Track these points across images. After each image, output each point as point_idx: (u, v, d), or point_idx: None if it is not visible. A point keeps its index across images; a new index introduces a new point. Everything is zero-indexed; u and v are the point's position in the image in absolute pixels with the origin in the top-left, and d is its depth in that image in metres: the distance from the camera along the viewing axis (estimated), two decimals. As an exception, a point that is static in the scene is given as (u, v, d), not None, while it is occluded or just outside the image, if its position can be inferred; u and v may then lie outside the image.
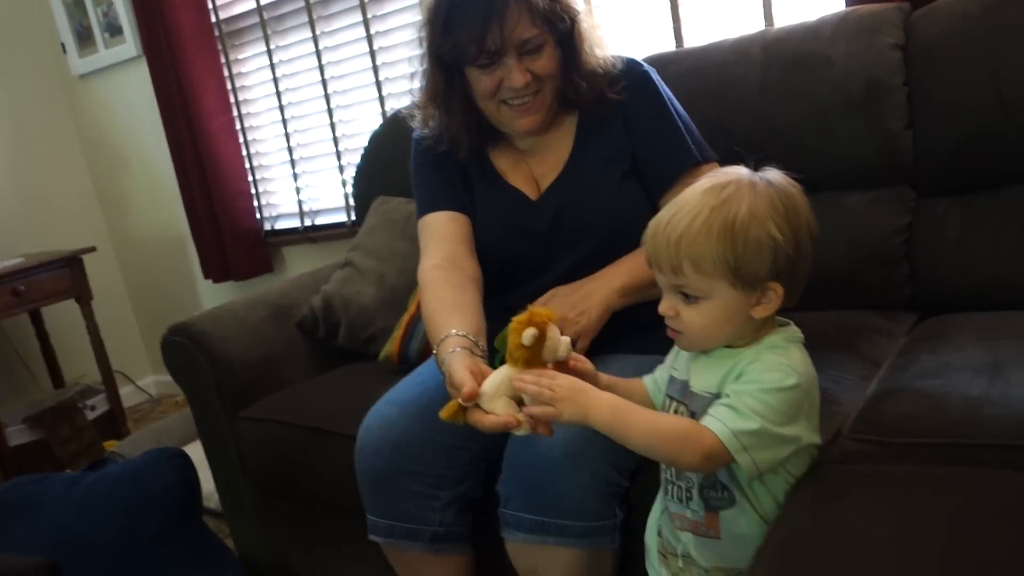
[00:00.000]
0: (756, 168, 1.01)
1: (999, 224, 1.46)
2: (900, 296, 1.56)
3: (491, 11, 1.28)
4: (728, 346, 1.01)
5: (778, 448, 0.95)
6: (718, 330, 0.98)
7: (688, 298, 0.98)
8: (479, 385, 1.03)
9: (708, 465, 0.95)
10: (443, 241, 1.44)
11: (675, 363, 1.10)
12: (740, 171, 1.00)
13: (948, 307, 1.47)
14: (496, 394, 1.02)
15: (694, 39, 2.01)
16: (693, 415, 1.00)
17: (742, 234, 0.93)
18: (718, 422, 0.93)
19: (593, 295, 1.33)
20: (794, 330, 1.03)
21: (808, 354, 1.00)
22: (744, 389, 0.94)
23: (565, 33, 1.36)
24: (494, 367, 1.08)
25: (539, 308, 0.99)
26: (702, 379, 1.02)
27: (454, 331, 1.19)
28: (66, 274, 2.93)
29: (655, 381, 1.14)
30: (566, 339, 1.01)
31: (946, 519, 0.87)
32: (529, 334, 0.96)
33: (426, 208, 1.50)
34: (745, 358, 0.98)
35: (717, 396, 0.98)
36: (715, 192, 0.96)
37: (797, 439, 0.95)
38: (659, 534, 1.13)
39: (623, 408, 0.97)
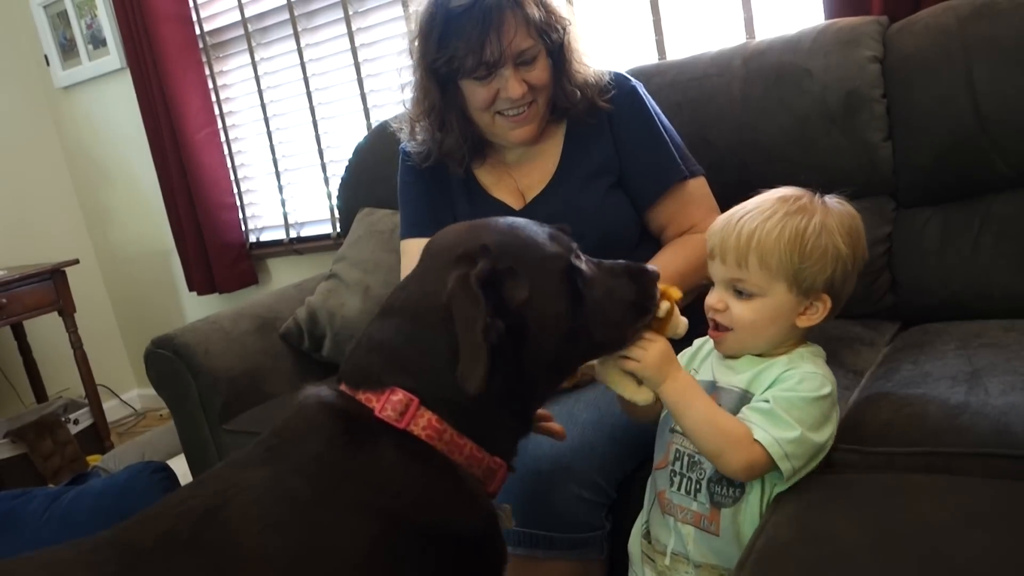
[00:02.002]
0: (821, 194, 1.06)
1: (978, 234, 1.48)
2: (882, 305, 1.58)
3: (489, 23, 1.28)
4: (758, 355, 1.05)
5: (813, 458, 0.99)
6: (764, 329, 1.03)
7: (741, 294, 1.02)
8: None
9: (747, 473, 0.99)
10: None
11: (695, 366, 1.12)
12: (806, 191, 1.06)
13: (929, 316, 1.49)
14: (608, 362, 1.05)
15: (676, 51, 2.03)
16: None
17: (811, 240, 0.99)
18: (762, 431, 0.96)
19: None
20: (819, 348, 1.08)
21: None
22: (784, 396, 0.98)
23: (557, 43, 1.37)
24: None
25: (669, 287, 1.03)
26: (730, 376, 1.06)
27: None
28: (49, 287, 2.91)
29: None
30: (684, 320, 1.05)
31: (926, 527, 0.88)
32: (665, 307, 1.01)
33: (407, 231, 1.52)
34: (779, 364, 1.02)
35: (745, 392, 1.03)
36: (789, 200, 1.03)
37: (826, 447, 1.00)
38: (644, 535, 1.14)
39: (694, 391, 1.01)
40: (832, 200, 1.05)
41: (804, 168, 1.60)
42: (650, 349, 1.00)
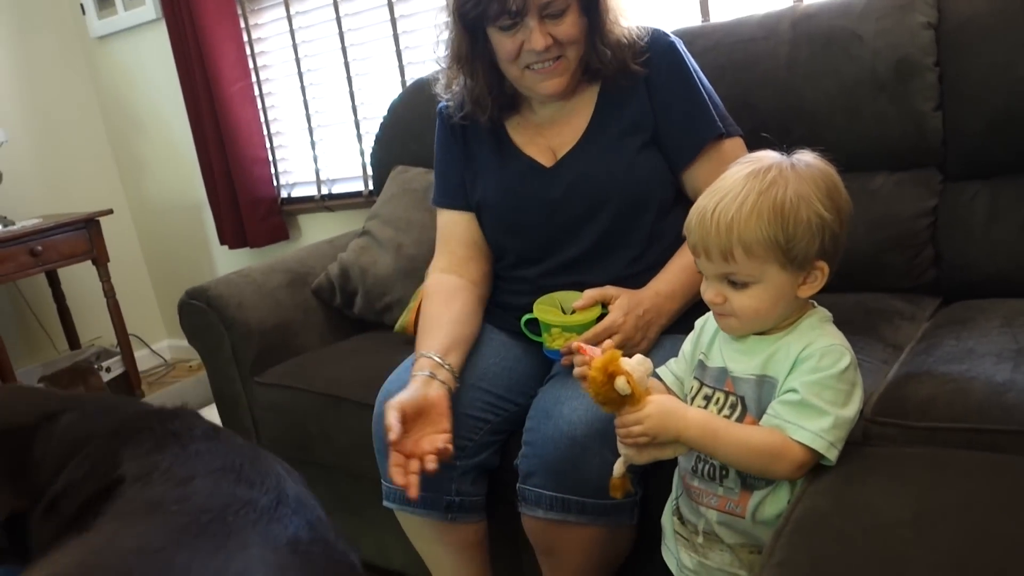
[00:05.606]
0: (787, 151, 1.01)
1: (1027, 209, 1.44)
2: (924, 280, 1.55)
3: None
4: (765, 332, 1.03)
5: (847, 431, 0.97)
6: (769, 312, 1.00)
7: (736, 284, 0.99)
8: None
9: (799, 474, 0.97)
10: (446, 244, 1.53)
11: (704, 350, 1.09)
12: (774, 155, 1.01)
13: (973, 292, 1.46)
14: (627, 452, 1.06)
15: (721, 14, 1.98)
16: (741, 399, 1.02)
17: (792, 215, 0.94)
18: (799, 429, 0.94)
19: (653, 324, 1.32)
20: (823, 310, 1.04)
21: None
22: (812, 380, 0.95)
23: (590, 0, 1.34)
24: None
25: (608, 356, 0.99)
26: (743, 364, 1.03)
27: (425, 352, 1.33)
28: (83, 236, 2.94)
29: (674, 374, 1.15)
30: (648, 364, 1.03)
31: (967, 503, 0.86)
32: (622, 383, 0.97)
33: (439, 200, 1.56)
34: (793, 342, 0.99)
35: (762, 377, 1.00)
36: (758, 176, 0.97)
37: (855, 419, 0.98)
38: (676, 514, 1.13)
39: (712, 426, 0.99)
40: (802, 159, 0.99)
41: (850, 136, 1.57)
42: (646, 421, 0.99)
